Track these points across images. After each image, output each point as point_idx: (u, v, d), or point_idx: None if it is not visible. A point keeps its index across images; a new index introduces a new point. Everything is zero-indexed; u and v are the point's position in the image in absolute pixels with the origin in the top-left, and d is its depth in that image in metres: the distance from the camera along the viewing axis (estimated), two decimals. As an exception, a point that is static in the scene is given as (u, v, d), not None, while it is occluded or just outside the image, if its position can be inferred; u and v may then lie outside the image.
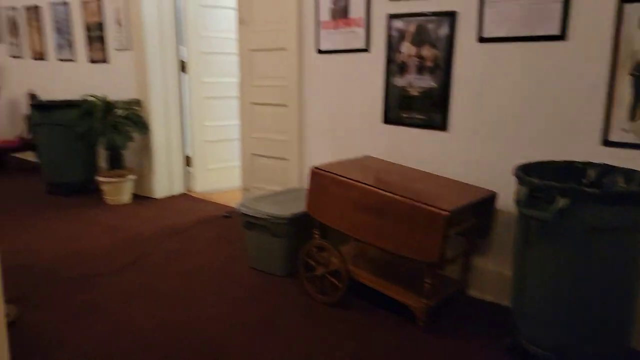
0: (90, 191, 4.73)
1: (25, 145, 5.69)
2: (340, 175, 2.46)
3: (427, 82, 2.71)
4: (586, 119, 2.22)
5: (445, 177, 2.62)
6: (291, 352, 2.16)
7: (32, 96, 5.82)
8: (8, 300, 2.57)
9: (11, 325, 2.38)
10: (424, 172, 2.70)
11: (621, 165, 2.11)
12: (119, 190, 4.49)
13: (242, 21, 3.77)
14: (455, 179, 2.62)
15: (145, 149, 4.65)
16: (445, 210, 2.10)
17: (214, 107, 4.87)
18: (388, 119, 2.93)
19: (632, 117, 2.10)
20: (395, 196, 2.24)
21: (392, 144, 2.93)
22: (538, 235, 1.91)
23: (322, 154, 3.33)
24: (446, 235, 2.13)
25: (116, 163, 4.52)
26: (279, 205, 2.94)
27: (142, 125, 4.43)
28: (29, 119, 5.40)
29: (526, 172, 2.12)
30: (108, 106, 4.33)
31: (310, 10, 3.22)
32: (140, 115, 4.47)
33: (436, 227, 2.11)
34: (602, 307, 1.84)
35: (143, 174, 4.71)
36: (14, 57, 6.31)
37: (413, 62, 2.75)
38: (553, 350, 1.93)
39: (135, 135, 4.44)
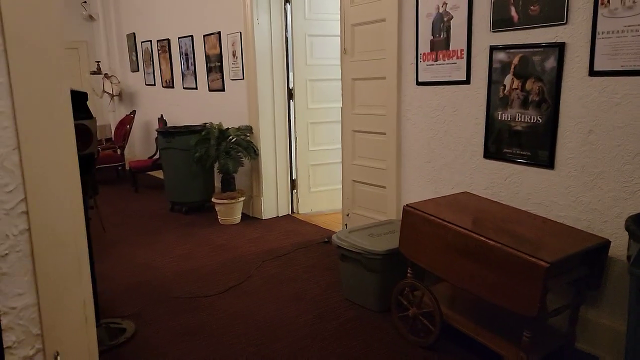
0: (206, 210, 5.12)
1: (155, 165, 6.32)
2: (432, 215, 2.41)
3: (532, 116, 2.56)
4: None
5: (551, 220, 2.44)
6: (377, 395, 2.15)
7: (162, 120, 6.47)
8: (128, 316, 2.88)
9: (129, 340, 2.66)
10: (526, 212, 2.54)
11: None
12: (230, 211, 4.81)
13: (345, 51, 3.86)
14: (563, 223, 2.42)
15: (255, 172, 4.93)
16: (546, 261, 1.96)
17: (318, 131, 5.03)
18: (489, 154, 2.80)
19: None
20: (490, 241, 2.14)
21: (493, 180, 2.80)
22: (653, 298, 1.70)
23: (420, 185, 3.28)
24: (547, 287, 1.98)
25: (228, 186, 4.85)
26: (374, 239, 2.95)
27: (251, 151, 4.71)
28: (157, 141, 6.01)
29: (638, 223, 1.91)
30: (222, 133, 4.67)
31: (410, 42, 3.20)
32: (250, 141, 4.76)
33: (535, 278, 1.97)
34: None
35: (252, 196, 4.99)
36: (149, 85, 7.07)
37: (517, 95, 2.61)
38: None
39: (246, 160, 4.73)
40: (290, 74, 4.88)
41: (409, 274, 2.60)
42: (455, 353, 2.44)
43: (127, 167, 6.84)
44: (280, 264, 3.71)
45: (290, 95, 4.91)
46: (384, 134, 3.53)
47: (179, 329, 2.77)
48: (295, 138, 4.97)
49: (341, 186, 4.09)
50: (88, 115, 2.28)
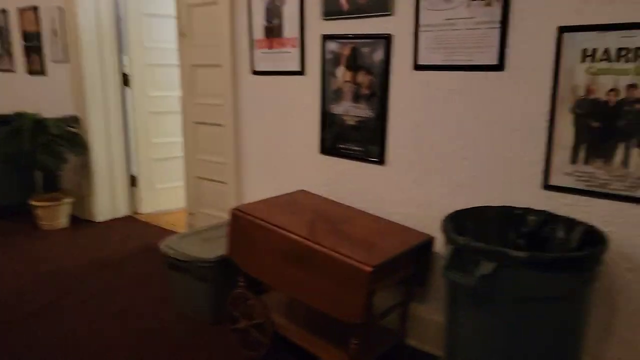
0: (25, 215, 4.40)
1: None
2: (260, 219, 2.20)
3: (364, 110, 2.47)
4: (527, 159, 2.00)
5: (383, 219, 2.38)
6: None
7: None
8: None
9: None
10: (360, 211, 2.46)
11: (563, 212, 1.90)
12: (54, 215, 4.18)
13: (182, 34, 3.49)
14: (393, 220, 2.38)
15: (84, 169, 4.33)
16: (369, 265, 1.86)
17: (162, 122, 4.58)
18: (325, 149, 2.68)
19: (574, 159, 1.88)
20: (316, 245, 1.99)
21: (330, 176, 2.69)
22: (465, 298, 1.68)
23: (261, 181, 3.08)
24: (371, 292, 1.89)
25: (51, 185, 4.21)
26: (207, 244, 2.68)
27: (77, 145, 4.12)
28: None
29: (459, 220, 1.89)
30: (39, 124, 4.01)
31: (243, 28, 2.95)
32: (76, 134, 4.16)
33: (359, 283, 1.87)
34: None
35: (82, 196, 4.39)
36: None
37: (349, 89, 2.51)
38: None
39: (71, 155, 4.13)
40: (125, 57, 4.35)
41: (240, 283, 2.38)
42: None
43: None
44: (108, 274, 3.26)
45: (126, 81, 4.39)
46: (222, 125, 3.26)
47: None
48: (134, 129, 4.47)
49: (184, 184, 3.74)
50: None
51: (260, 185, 3.09)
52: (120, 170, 4.51)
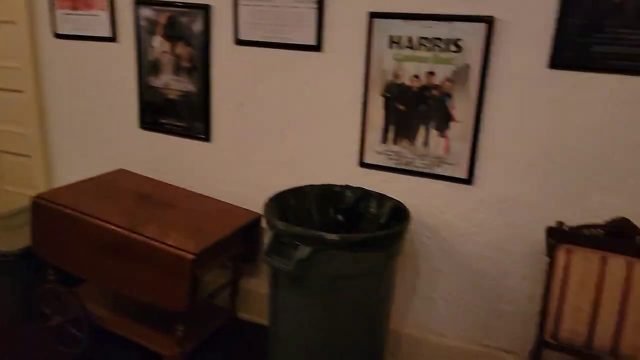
0: None
1: None
2: (68, 207, 1.99)
3: (186, 85, 2.33)
4: (346, 138, 2.09)
5: (210, 199, 2.31)
6: None
7: None
8: None
9: None
10: (186, 191, 2.36)
11: (378, 188, 2.04)
12: None
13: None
14: (222, 199, 2.33)
15: None
16: (191, 253, 1.80)
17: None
18: (145, 124, 2.49)
19: (384, 139, 2.01)
20: (134, 234, 1.87)
21: (153, 154, 2.52)
22: (285, 280, 1.73)
23: (74, 157, 2.77)
24: (195, 279, 1.84)
25: None
26: (9, 234, 2.35)
27: None
28: None
29: (283, 200, 1.93)
30: None
31: (41, -18, 2.54)
32: None
33: (182, 272, 1.81)
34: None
35: None
36: None
37: (168, 60, 2.34)
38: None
39: None
40: None
41: (50, 277, 2.15)
42: (118, 358, 2.16)
43: None
44: None
45: None
46: (21, 92, 2.82)
47: None
48: None
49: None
50: None
51: (76, 162, 2.78)
52: None
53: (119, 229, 1.89)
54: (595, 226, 1.63)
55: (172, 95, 2.38)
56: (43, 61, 2.70)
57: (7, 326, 2.34)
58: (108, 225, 1.91)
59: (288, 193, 2.00)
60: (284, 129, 2.19)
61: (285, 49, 2.08)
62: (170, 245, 1.82)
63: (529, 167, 1.82)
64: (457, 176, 1.93)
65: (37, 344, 2.21)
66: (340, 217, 2.07)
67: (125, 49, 2.43)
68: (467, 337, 2.07)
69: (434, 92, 1.88)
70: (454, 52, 1.81)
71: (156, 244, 1.83)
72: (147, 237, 1.86)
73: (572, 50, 1.67)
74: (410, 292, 2.14)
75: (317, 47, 2.02)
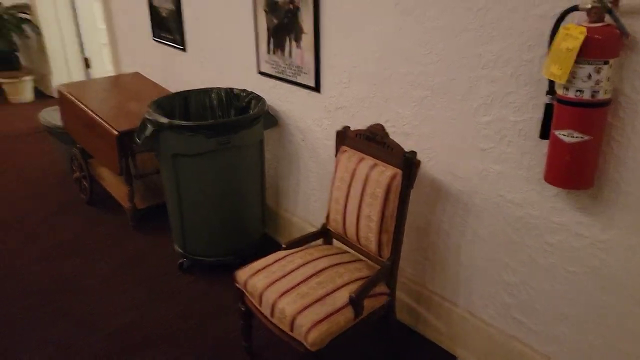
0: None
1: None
2: (73, 96, 2.84)
3: (169, 3, 2.91)
4: (249, 50, 2.43)
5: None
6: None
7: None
8: None
9: None
10: (159, 88, 3.02)
11: (271, 92, 2.37)
12: (17, 90, 5.03)
13: None
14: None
15: (41, 51, 5.06)
16: (118, 130, 2.47)
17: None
18: (155, 36, 3.18)
19: (269, 50, 2.30)
20: (98, 118, 2.61)
21: (160, 60, 3.22)
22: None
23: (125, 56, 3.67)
24: (122, 152, 2.51)
25: (10, 64, 5.00)
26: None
27: (22, 29, 4.80)
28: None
29: (186, 98, 2.43)
30: (-11, 11, 4.71)
31: None
32: (23, 19, 4.83)
33: (112, 143, 2.50)
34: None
35: (42, 74, 5.18)
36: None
37: (159, -16, 2.94)
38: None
39: (17, 38, 4.84)
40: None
41: (77, 146, 3.09)
42: (107, 205, 3.03)
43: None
44: (35, 139, 4.11)
45: (69, -30, 4.89)
46: None
47: None
48: (83, 17, 5.05)
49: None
50: None
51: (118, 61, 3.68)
52: (73, 52, 5.18)
53: (92, 113, 2.66)
54: (362, 131, 1.74)
55: (164, 13, 2.99)
56: (111, -11, 3.57)
57: (60, 174, 3.43)
58: (87, 111, 2.69)
59: (193, 93, 2.47)
60: (220, 45, 2.62)
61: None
62: (111, 126, 2.51)
63: (349, 78, 1.94)
64: (309, 84, 2.14)
65: (71, 188, 3.23)
66: (233, 112, 2.47)
67: (140, -24, 3.10)
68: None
69: (291, 6, 2.09)
70: (297, -33, 1.99)
71: (105, 125, 2.54)
72: (104, 120, 2.58)
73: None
74: (295, 186, 2.45)
75: (225, -32, 2.37)
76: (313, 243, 1.91)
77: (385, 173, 1.63)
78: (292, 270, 1.70)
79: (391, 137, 1.69)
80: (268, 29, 2.26)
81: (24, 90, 5.06)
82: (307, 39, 2.06)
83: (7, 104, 5.01)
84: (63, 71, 5.17)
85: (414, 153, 1.58)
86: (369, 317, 1.66)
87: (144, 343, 2.01)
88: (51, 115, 3.36)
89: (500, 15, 1.42)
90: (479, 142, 1.60)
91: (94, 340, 2.02)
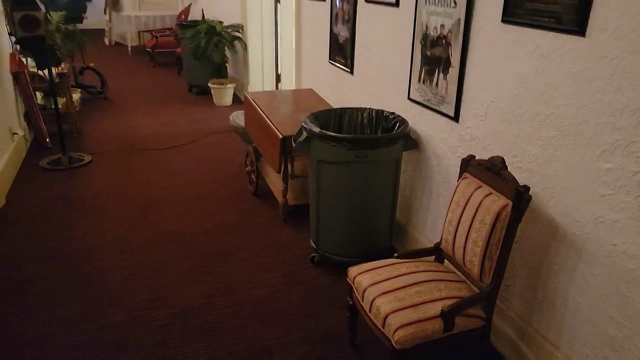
0: (209, 94, 6.38)
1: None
2: (254, 101, 3.40)
3: (345, 32, 3.31)
4: (404, 77, 2.67)
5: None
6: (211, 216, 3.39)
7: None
8: (93, 153, 4.34)
9: (82, 166, 4.10)
10: (324, 103, 3.42)
11: (417, 117, 2.58)
12: (221, 95, 6.02)
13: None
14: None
15: (245, 64, 6.00)
16: (282, 134, 2.92)
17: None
18: (330, 59, 3.61)
19: (419, 79, 2.51)
20: (267, 120, 3.11)
21: (331, 80, 3.64)
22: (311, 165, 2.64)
23: (303, 75, 4.18)
24: (285, 150, 2.95)
25: (219, 73, 6.01)
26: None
27: (233, 45, 5.75)
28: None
29: (341, 114, 2.78)
30: (211, 28, 5.74)
31: (304, -38, 3.92)
32: (235, 36, 5.78)
33: (277, 144, 2.96)
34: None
35: (242, 84, 6.12)
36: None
37: (341, 14, 3.36)
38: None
39: (229, 52, 5.80)
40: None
41: (252, 146, 3.66)
42: (267, 196, 3.52)
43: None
44: (225, 136, 4.91)
45: (277, -1, 5.72)
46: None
47: (120, 164, 4.18)
48: (281, 38, 5.85)
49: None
50: (36, 7, 3.49)
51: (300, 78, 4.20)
52: (269, 67, 6.03)
53: (265, 117, 3.17)
54: (483, 161, 1.85)
55: (341, 40, 3.40)
56: (300, 22, 4.13)
57: (239, 167, 4.05)
58: (263, 115, 3.22)
59: (344, 110, 2.79)
60: (384, 68, 2.91)
61: (385, 5, 2.79)
62: (277, 130, 2.98)
63: (486, 112, 2.06)
64: (449, 114, 2.29)
65: (244, 179, 3.81)
66: (380, 131, 2.73)
67: (327, 6, 3.56)
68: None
69: (444, 41, 2.28)
70: (453, 7, 2.18)
71: (273, 128, 3.02)
72: (273, 124, 3.06)
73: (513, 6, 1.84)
74: (426, 207, 2.61)
75: (396, 4, 2.66)
76: (424, 258, 2.05)
77: (496, 202, 1.72)
78: (396, 276, 1.88)
79: (516, 172, 1.77)
80: (421, 60, 2.48)
81: (226, 95, 6.03)
82: (454, 71, 2.23)
83: (212, 105, 6.02)
84: (258, 82, 6.03)
85: (527, 187, 1.64)
86: (460, 335, 1.75)
87: (269, 314, 2.36)
88: (239, 118, 4.03)
89: (633, 65, 1.44)
90: (598, 188, 1.60)
91: (232, 303, 2.44)
